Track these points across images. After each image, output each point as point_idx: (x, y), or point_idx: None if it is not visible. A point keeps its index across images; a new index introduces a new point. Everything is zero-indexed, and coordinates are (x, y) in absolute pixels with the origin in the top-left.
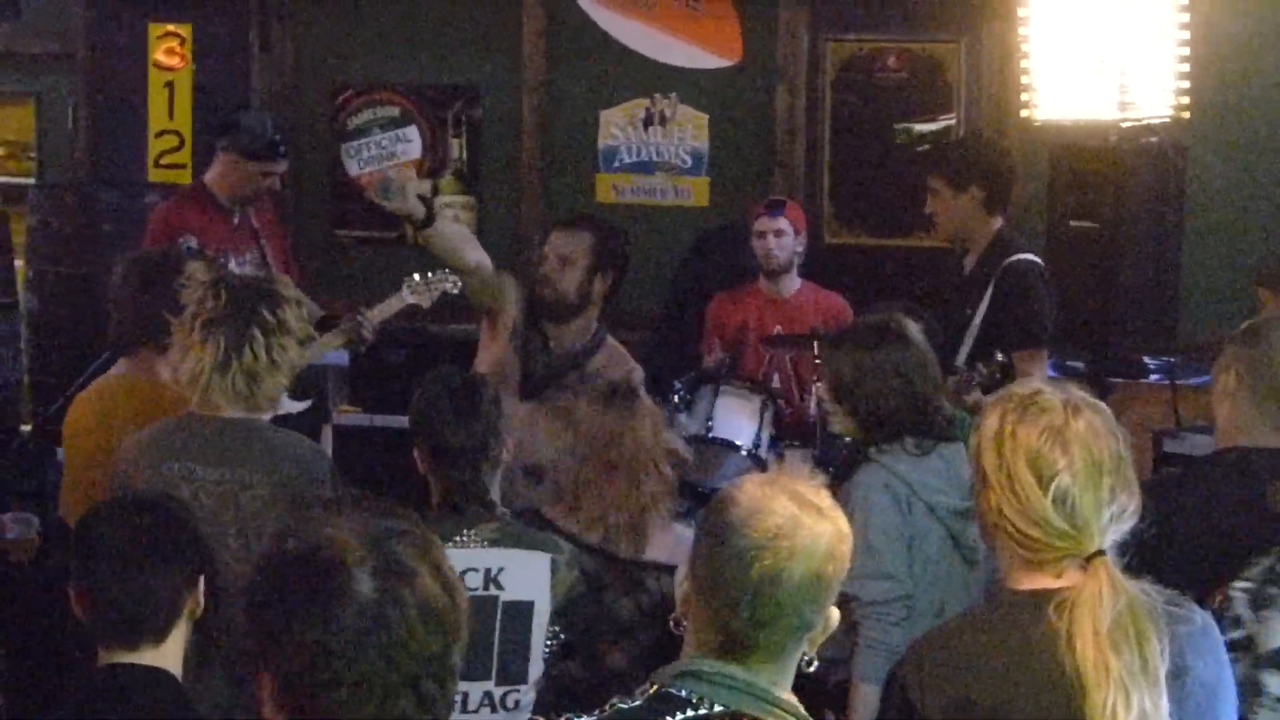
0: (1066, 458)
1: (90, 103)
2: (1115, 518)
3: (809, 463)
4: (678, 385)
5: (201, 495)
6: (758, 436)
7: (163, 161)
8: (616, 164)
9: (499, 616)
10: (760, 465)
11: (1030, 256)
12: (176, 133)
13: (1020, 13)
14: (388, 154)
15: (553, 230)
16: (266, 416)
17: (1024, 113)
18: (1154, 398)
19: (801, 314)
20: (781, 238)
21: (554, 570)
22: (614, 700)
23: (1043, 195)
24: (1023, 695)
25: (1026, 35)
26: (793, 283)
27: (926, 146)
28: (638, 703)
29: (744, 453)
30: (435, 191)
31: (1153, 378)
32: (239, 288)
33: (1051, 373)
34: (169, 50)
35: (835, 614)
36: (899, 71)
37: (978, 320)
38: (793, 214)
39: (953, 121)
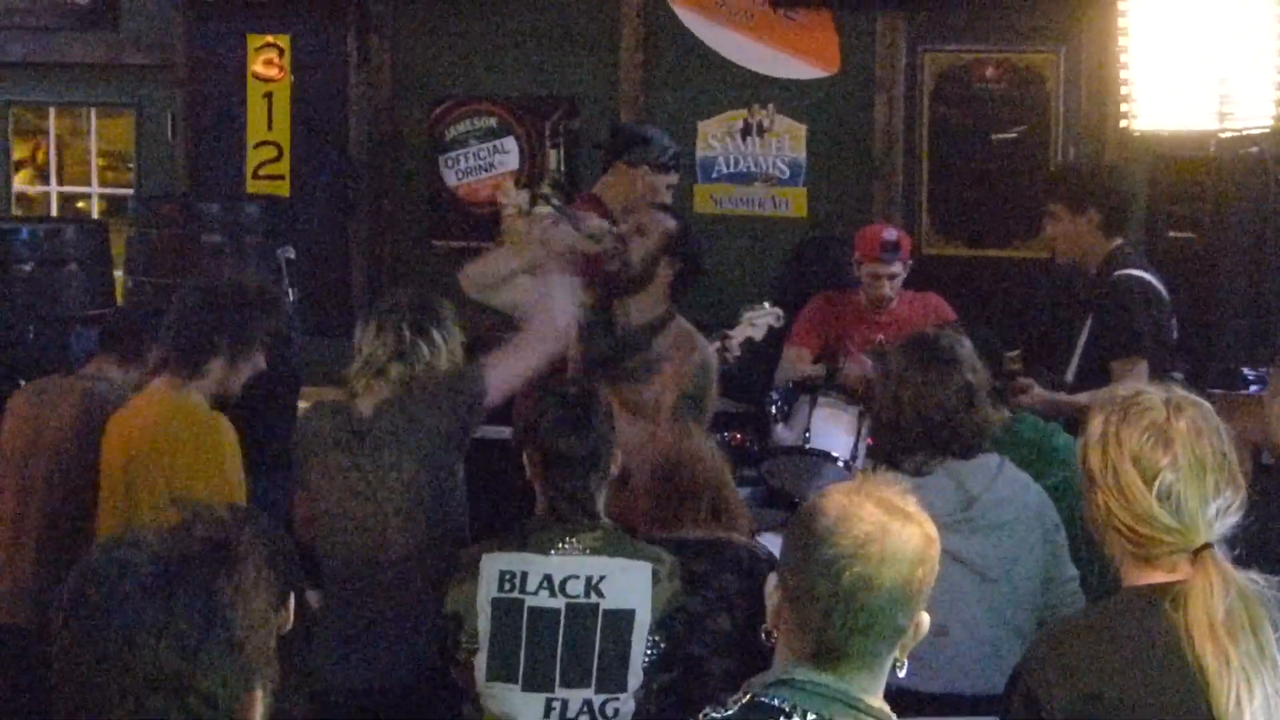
0: (1169, 455)
1: (189, 114)
2: (1221, 512)
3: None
4: (775, 395)
5: (360, 484)
6: (855, 448)
7: (261, 173)
8: (715, 175)
9: (599, 624)
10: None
11: (1135, 271)
12: (275, 144)
13: (1119, 22)
14: (486, 165)
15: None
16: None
17: (1123, 123)
18: (1253, 409)
19: (901, 321)
20: (894, 280)
21: (655, 580)
22: (707, 710)
23: (1141, 205)
24: (1148, 688)
25: (1125, 45)
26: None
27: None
28: (731, 712)
29: (840, 464)
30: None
31: (1251, 389)
32: (415, 308)
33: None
34: (267, 61)
35: (925, 619)
36: (997, 82)
37: (1084, 337)
38: (904, 251)
39: (1051, 131)
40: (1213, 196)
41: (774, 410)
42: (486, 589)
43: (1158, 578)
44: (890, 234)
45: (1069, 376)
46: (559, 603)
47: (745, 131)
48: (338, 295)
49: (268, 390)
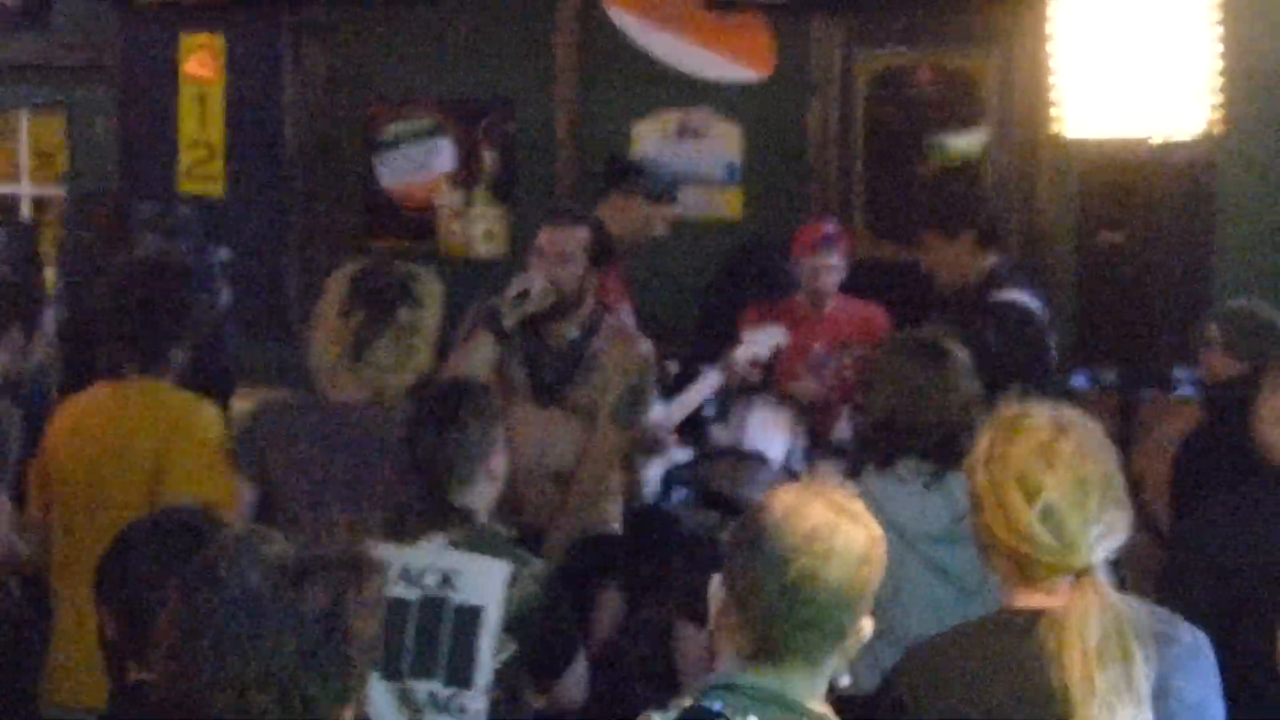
0: (1053, 475)
1: (121, 114)
2: (1104, 534)
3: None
4: (710, 397)
5: (327, 482)
6: (790, 450)
7: (194, 173)
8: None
9: (446, 618)
10: (793, 479)
11: (1010, 296)
12: (208, 144)
13: (1048, 27)
14: (421, 165)
15: (544, 228)
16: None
17: (1054, 129)
18: (1184, 412)
19: (838, 327)
20: (832, 273)
21: (512, 581)
22: (648, 712)
23: (1074, 210)
24: (1012, 712)
25: (1054, 50)
26: (832, 299)
27: (960, 161)
28: (671, 714)
29: (776, 467)
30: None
31: (1183, 391)
32: (380, 286)
33: (1082, 383)
34: (201, 61)
35: (869, 624)
36: (932, 85)
37: None
38: (843, 244)
39: (983, 135)
40: (1144, 199)
41: (709, 411)
42: None
43: (1038, 600)
44: (829, 226)
45: None
46: (414, 594)
47: (681, 132)
48: (272, 297)
49: (201, 391)
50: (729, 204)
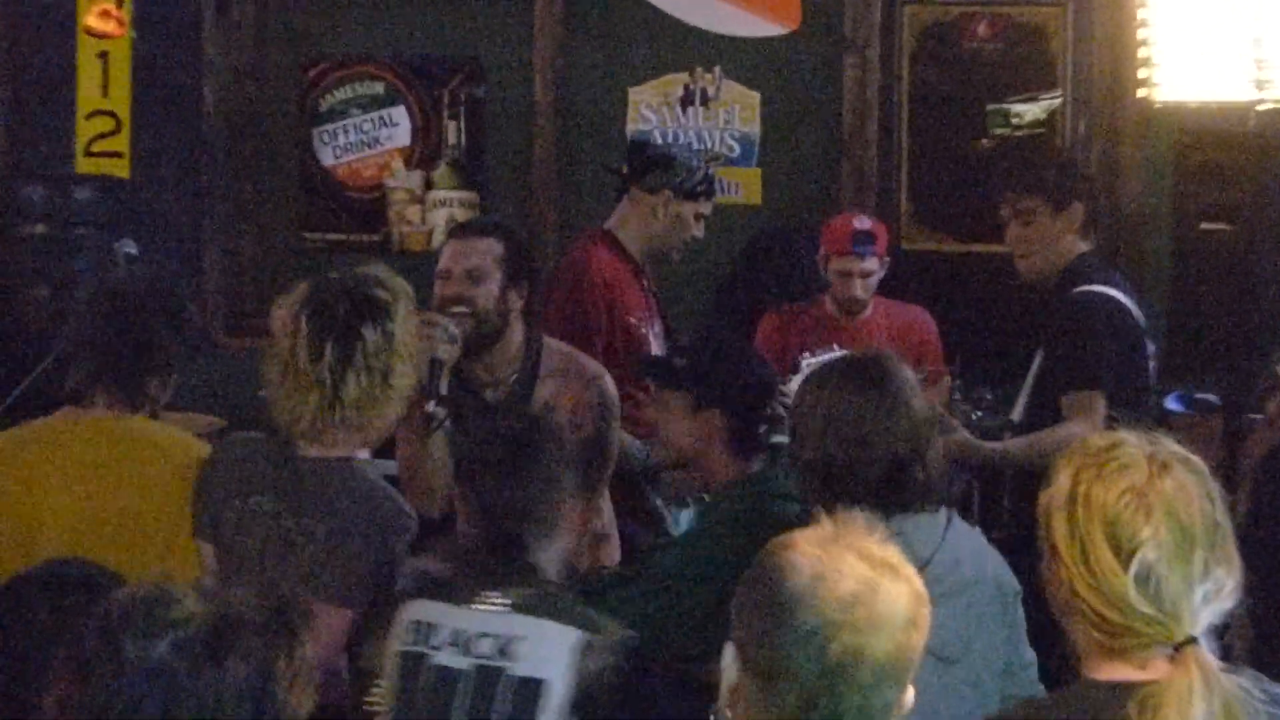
0: (1151, 526)
1: (8, 78)
2: (1209, 597)
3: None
4: None
5: (272, 540)
6: None
7: (95, 149)
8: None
9: (504, 693)
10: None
11: (1098, 288)
12: (112, 114)
13: None
14: (370, 140)
15: (448, 243)
16: (365, 453)
17: (1141, 92)
18: None
19: (874, 337)
20: (869, 279)
21: (584, 651)
22: None
23: (1167, 192)
24: None
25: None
26: (867, 305)
27: (1027, 133)
28: None
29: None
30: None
31: None
32: (334, 304)
33: (1176, 405)
34: (103, 13)
35: (910, 695)
36: (992, 41)
37: (1035, 366)
38: (881, 244)
39: (1058, 101)
40: (1252, 180)
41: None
42: (395, 641)
43: (1125, 673)
44: (863, 222)
45: (1015, 415)
46: (465, 663)
47: (686, 100)
48: (189, 300)
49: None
50: (745, 187)
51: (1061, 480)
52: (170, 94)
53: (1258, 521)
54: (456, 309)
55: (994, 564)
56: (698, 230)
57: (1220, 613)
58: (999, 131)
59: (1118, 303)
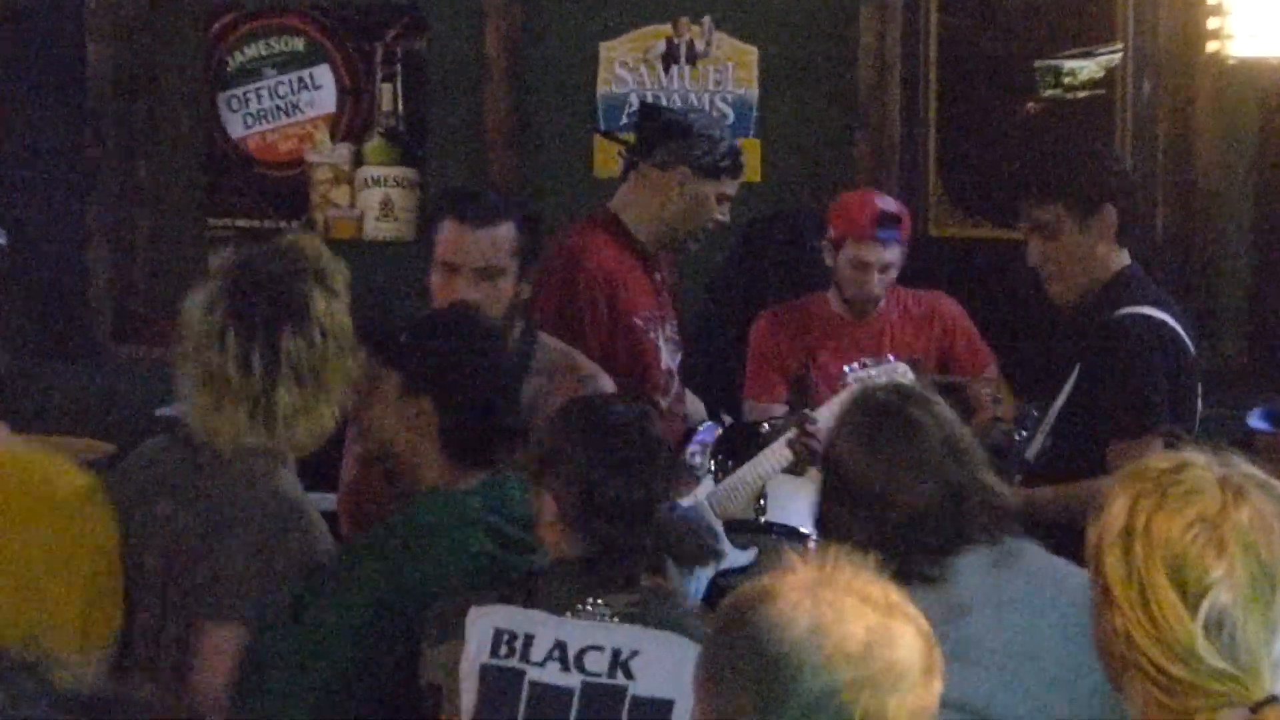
0: (1224, 563)
1: None
2: None
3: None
4: (696, 444)
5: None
6: None
7: None
8: (625, 120)
9: (626, 715)
10: None
11: (1146, 310)
12: None
13: None
14: (288, 106)
15: (452, 224)
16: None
17: (1213, 45)
18: None
19: (889, 337)
20: (890, 272)
21: None
22: None
23: (1246, 163)
24: None
25: None
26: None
27: (1086, 94)
28: None
29: (812, 543)
30: None
31: None
32: (256, 302)
33: (1262, 423)
34: None
35: None
36: None
37: (1060, 400)
38: (906, 230)
39: (1118, 57)
40: None
41: (710, 465)
42: (476, 652)
43: None
44: (887, 203)
45: (1030, 453)
46: (572, 681)
47: (669, 57)
48: (71, 300)
49: None
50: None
51: (1116, 510)
52: (47, 54)
53: None
54: None
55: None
56: (721, 214)
57: None
58: (1049, 93)
59: (1173, 331)
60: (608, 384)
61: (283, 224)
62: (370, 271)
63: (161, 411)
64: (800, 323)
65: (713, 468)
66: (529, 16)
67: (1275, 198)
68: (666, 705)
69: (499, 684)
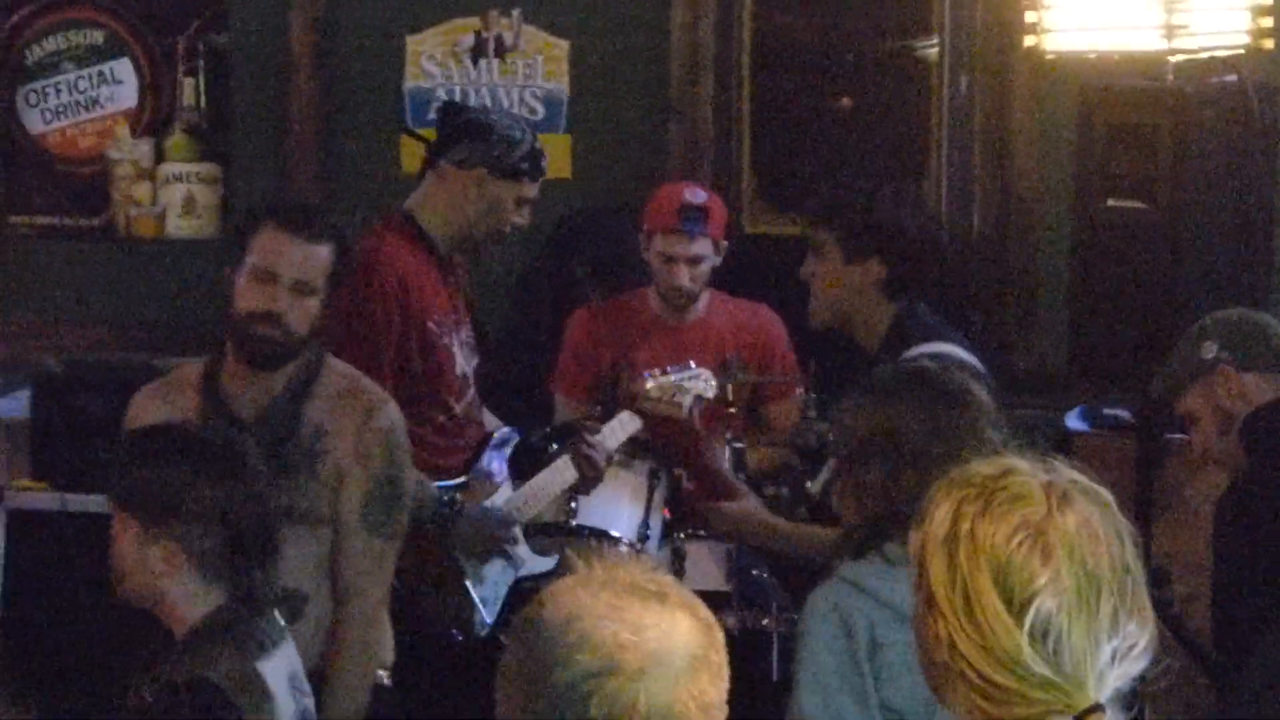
0: (1050, 570)
1: None
2: (1119, 657)
3: (723, 561)
4: (496, 443)
5: None
6: (645, 523)
7: None
8: (432, 116)
9: None
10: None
11: (936, 346)
12: None
13: None
14: (88, 100)
15: (274, 231)
16: None
17: (1030, 40)
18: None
19: (709, 342)
20: (699, 265)
21: None
22: None
23: (1066, 162)
24: None
25: None
26: (699, 300)
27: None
28: None
29: (623, 546)
30: None
31: None
32: None
33: (1080, 423)
34: None
35: None
36: None
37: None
38: (717, 224)
39: (934, 52)
40: (1171, 148)
41: (497, 471)
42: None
43: None
44: (696, 194)
45: (814, 487)
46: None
47: (478, 50)
48: None
49: None
50: (553, 156)
51: (940, 516)
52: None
53: (1226, 587)
54: (262, 329)
55: None
56: (519, 218)
57: (1130, 675)
58: (865, 88)
59: (963, 360)
60: (394, 411)
61: (84, 221)
62: (171, 270)
63: None
64: (618, 320)
65: (510, 474)
66: (334, 9)
67: (1094, 196)
68: None
69: None
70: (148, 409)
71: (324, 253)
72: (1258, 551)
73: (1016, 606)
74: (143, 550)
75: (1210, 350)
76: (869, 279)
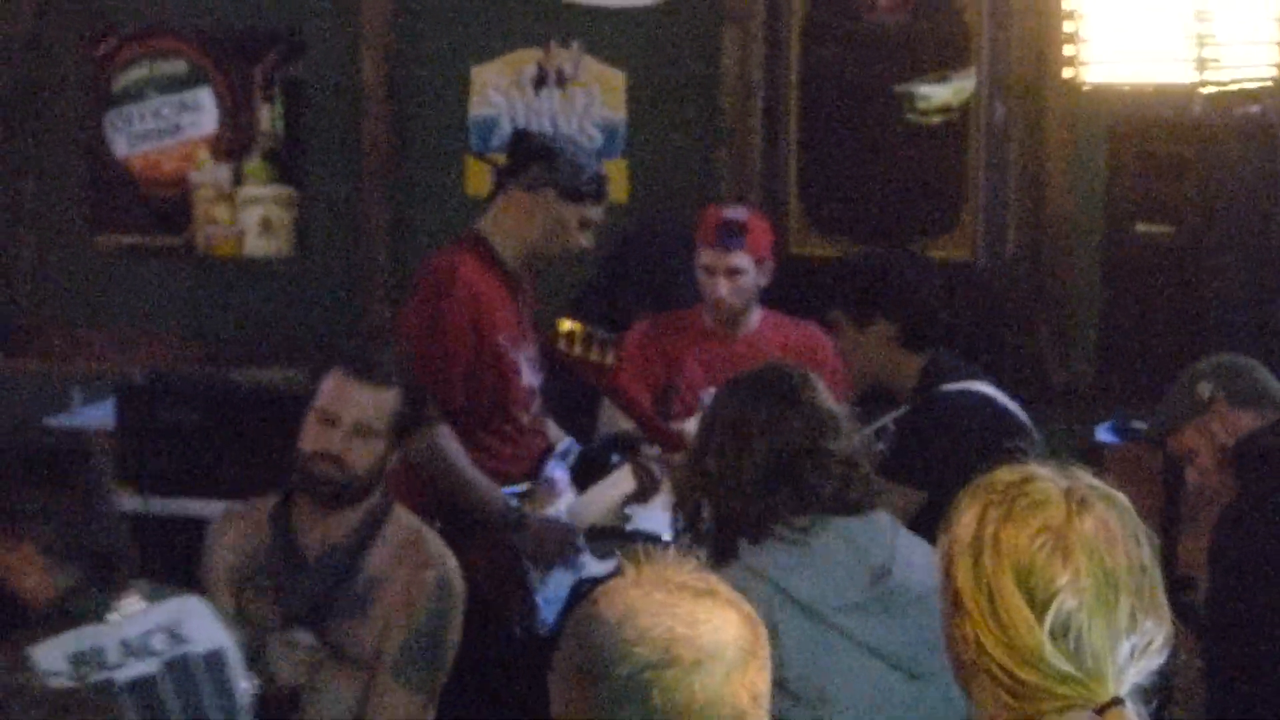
0: (1069, 570)
1: None
2: (1137, 653)
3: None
4: (559, 453)
5: None
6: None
7: None
8: (496, 142)
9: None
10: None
11: (965, 385)
12: None
13: None
14: (170, 127)
15: (338, 375)
16: None
17: (1068, 72)
18: None
19: (758, 357)
20: (738, 278)
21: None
22: None
23: (1098, 189)
24: None
25: None
26: (750, 316)
27: (941, 119)
28: None
29: (672, 549)
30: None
31: None
32: None
33: (1110, 436)
34: None
35: None
36: (896, 12)
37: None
38: (756, 240)
39: (972, 82)
40: (1198, 176)
41: (558, 474)
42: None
43: None
44: (736, 212)
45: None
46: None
47: (540, 80)
48: None
49: None
50: (612, 180)
51: (966, 520)
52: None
53: (1220, 600)
54: (321, 468)
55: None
56: (584, 239)
57: (1149, 671)
58: (906, 118)
59: (987, 397)
60: (453, 570)
61: (166, 240)
62: (249, 288)
63: (49, 421)
64: (672, 332)
65: (572, 482)
66: (404, 41)
67: (1124, 221)
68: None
69: None
70: (224, 530)
71: (388, 398)
72: (1249, 569)
73: (1038, 606)
74: None
75: (1205, 390)
76: (884, 338)
